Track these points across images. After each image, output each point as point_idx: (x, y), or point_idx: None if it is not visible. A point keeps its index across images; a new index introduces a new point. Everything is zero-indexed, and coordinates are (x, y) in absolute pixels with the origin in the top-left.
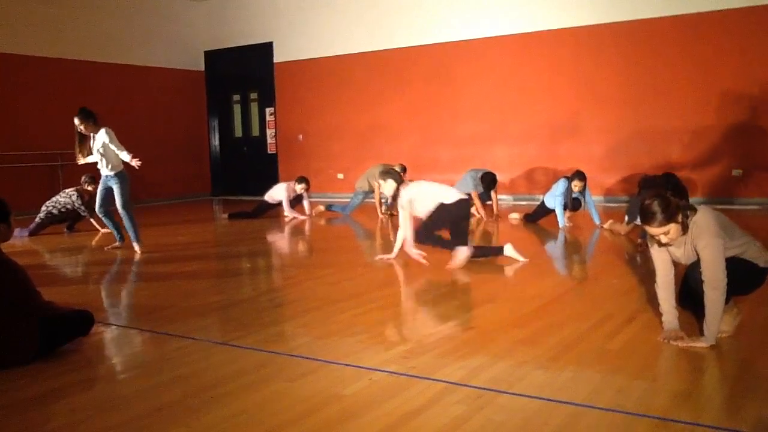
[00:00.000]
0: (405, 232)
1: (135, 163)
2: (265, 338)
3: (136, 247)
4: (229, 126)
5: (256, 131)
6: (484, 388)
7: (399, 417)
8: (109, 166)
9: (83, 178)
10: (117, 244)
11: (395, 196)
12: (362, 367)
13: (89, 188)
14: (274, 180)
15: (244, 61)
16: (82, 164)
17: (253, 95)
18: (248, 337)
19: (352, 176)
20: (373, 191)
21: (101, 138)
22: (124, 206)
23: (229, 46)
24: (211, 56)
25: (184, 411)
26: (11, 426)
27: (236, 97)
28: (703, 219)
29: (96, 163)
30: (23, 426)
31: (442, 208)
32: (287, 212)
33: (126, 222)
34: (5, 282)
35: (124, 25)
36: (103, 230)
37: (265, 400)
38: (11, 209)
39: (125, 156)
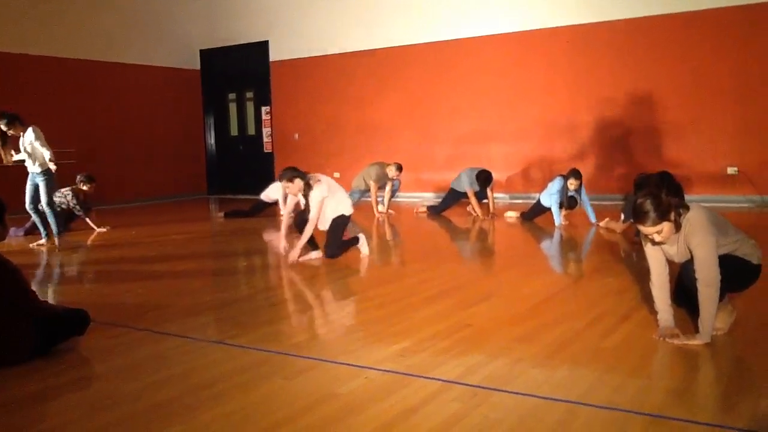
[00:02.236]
0: (312, 227)
1: (51, 165)
2: (262, 337)
3: (56, 241)
4: (225, 125)
5: (252, 130)
6: (480, 386)
7: (395, 415)
8: (36, 164)
9: (78, 177)
10: (42, 241)
11: (306, 194)
12: (358, 366)
13: (84, 187)
14: (270, 179)
15: (240, 59)
16: (12, 163)
17: (249, 94)
18: (244, 336)
19: (349, 175)
20: (369, 190)
21: (29, 136)
22: (48, 203)
23: (225, 45)
24: (206, 55)
25: (181, 409)
26: (6, 424)
27: (232, 96)
28: (696, 217)
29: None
30: (18, 424)
31: (341, 219)
32: (283, 211)
33: (49, 218)
34: (4, 282)
35: (120, 23)
36: (99, 229)
37: (262, 398)
38: (6, 208)
39: (47, 154)
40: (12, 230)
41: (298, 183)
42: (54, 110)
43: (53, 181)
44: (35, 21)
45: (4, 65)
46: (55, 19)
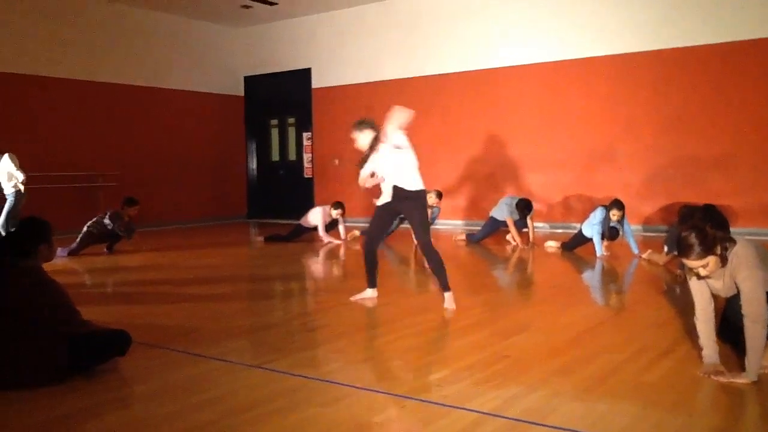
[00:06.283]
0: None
1: (21, 186)
2: (298, 362)
3: None
4: (267, 150)
5: (292, 155)
6: (518, 419)
7: None
8: (11, 185)
9: (123, 199)
10: None
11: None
12: (395, 395)
13: (129, 210)
14: (309, 204)
15: (282, 86)
16: None
17: (291, 120)
18: (281, 361)
19: None
20: None
21: (6, 161)
22: (6, 220)
23: (269, 72)
24: (250, 81)
25: None
26: None
27: (274, 122)
28: (743, 251)
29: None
30: None
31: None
32: (322, 236)
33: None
34: (35, 301)
35: (167, 51)
36: (142, 250)
37: (298, 424)
38: (53, 230)
39: (20, 176)
40: (58, 250)
41: (368, 135)
42: (100, 134)
43: (22, 201)
44: (85, 49)
45: (54, 90)
46: (107, 47)
